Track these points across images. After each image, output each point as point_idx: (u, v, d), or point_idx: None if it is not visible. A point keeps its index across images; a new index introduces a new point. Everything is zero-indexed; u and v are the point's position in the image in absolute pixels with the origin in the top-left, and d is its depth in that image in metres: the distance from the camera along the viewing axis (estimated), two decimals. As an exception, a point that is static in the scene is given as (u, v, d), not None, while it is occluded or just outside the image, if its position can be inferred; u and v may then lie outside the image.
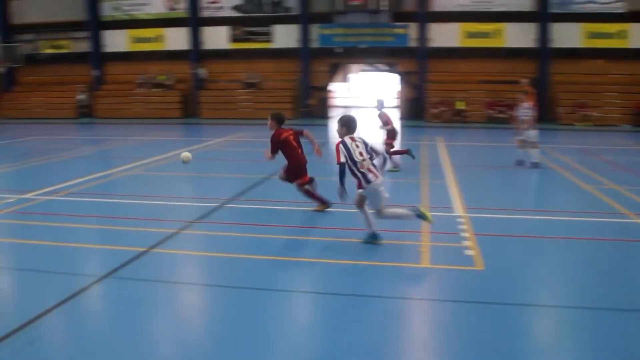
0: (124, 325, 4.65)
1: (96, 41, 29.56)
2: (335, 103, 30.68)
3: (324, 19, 27.17)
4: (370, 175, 6.37)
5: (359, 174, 6.35)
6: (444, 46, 26.75)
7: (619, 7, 25.28)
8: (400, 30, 27.21)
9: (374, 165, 6.49)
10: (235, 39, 28.65)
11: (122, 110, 28.17)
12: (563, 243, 6.92)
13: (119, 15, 29.37)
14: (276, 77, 27.86)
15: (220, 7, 28.44)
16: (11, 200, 9.51)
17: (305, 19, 27.33)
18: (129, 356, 4.11)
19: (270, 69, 28.01)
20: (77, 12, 29.40)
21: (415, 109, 26.84)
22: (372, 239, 6.66)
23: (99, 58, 29.78)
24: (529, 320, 4.80)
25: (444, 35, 26.84)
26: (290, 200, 9.00)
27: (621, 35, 25.57)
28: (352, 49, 27.31)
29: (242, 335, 4.39)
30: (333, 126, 23.25)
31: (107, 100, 28.74)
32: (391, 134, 12.26)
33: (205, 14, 28.58)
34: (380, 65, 30.71)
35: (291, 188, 8.79)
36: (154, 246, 6.74)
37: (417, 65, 27.08)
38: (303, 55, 27.56)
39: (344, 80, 34.97)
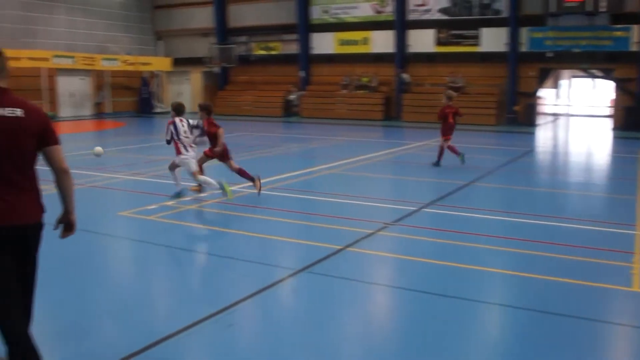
0: (312, 319, 5.40)
1: (304, 43, 35.57)
2: (543, 110, 33.31)
3: (535, 21, 30.13)
4: (183, 149, 10.45)
5: (180, 147, 10.38)
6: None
7: None
8: (621, 33, 29.11)
9: (195, 143, 10.51)
10: (440, 42, 32.81)
11: (326, 111, 33.74)
12: None
13: (327, 18, 35.10)
14: (481, 82, 31.42)
15: (427, 10, 32.73)
16: (219, 191, 11.08)
17: (514, 21, 30.49)
18: (313, 350, 4.73)
19: (475, 73, 31.67)
20: (288, 16, 35.80)
21: (633, 119, 28.39)
22: (176, 196, 10.60)
23: (306, 60, 35.80)
24: None
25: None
26: (489, 209, 10.16)
27: None
28: (564, 53, 29.77)
29: (426, 341, 4.91)
30: (540, 135, 26.08)
31: (312, 101, 34.57)
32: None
33: (412, 17, 33.08)
34: (595, 71, 32.59)
35: (495, 196, 11.39)
36: (349, 245, 7.70)
37: (638, 72, 28.59)
38: (510, 59, 30.74)
39: (554, 86, 37.19)
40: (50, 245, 6.70)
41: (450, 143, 15.16)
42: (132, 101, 38.70)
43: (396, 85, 33.05)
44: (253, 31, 37.50)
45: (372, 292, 6.36)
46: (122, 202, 10.91)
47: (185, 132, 10.69)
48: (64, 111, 34.73)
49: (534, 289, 6.28)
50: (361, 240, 8.03)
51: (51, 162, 3.89)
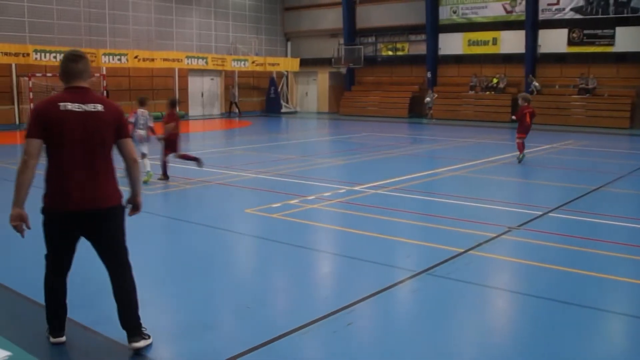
0: (431, 321, 5.79)
1: (432, 44, 39.15)
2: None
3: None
4: (139, 139, 13.24)
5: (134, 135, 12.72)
6: None
7: None
8: None
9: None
10: (572, 42, 35.34)
11: (453, 112, 37.00)
12: None
13: (455, 18, 38.68)
14: (614, 83, 33.62)
15: (560, 10, 35.45)
16: (342, 190, 12.25)
17: (653, 19, 31.96)
18: (429, 352, 5.12)
19: (609, 74, 33.92)
20: (416, 16, 39.57)
21: None
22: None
23: (434, 60, 39.34)
24: None
25: None
26: (617, 215, 10.43)
27: None
28: None
29: (545, 348, 5.17)
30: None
31: (439, 102, 37.84)
32: None
33: (543, 16, 35.89)
34: None
35: (624, 202, 12.09)
36: (471, 248, 8.10)
37: None
38: (648, 60, 32.24)
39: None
40: (181, 239, 8.75)
41: (522, 141, 17.13)
42: (260, 101, 43.70)
43: (525, 88, 35.57)
44: (380, 32, 41.64)
45: (493, 296, 6.68)
46: (248, 200, 11.83)
47: (142, 123, 13.47)
48: (195, 110, 39.82)
49: None
50: (484, 243, 8.44)
51: (124, 152, 4.78)
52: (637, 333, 5.84)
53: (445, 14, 39.17)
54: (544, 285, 6.96)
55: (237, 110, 39.41)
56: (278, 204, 11.09)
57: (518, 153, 17.43)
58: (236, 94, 40.21)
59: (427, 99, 37.54)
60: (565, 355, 5.14)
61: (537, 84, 35.18)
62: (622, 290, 6.96)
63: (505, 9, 37.12)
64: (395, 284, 6.82)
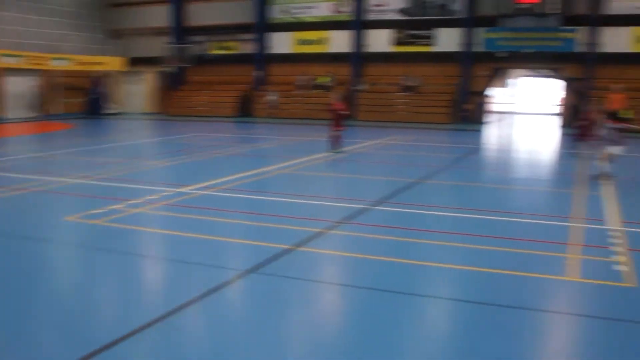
0: (260, 320, 5.83)
1: (262, 43, 39.53)
2: (492, 108, 37.71)
3: (490, 22, 34.46)
4: None
5: None
6: (615, 51, 32.91)
7: None
8: (569, 35, 33.73)
9: None
10: (397, 42, 37.04)
11: (283, 111, 37.26)
12: None
13: (286, 17, 39.12)
14: (435, 81, 35.64)
15: (385, 10, 36.93)
16: (170, 193, 11.97)
17: (470, 22, 34.91)
18: (260, 351, 5.15)
19: (431, 73, 35.89)
20: (246, 15, 39.57)
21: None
22: None
23: (264, 59, 39.69)
24: None
25: (616, 40, 33.06)
26: (438, 205, 11.27)
27: None
28: (516, 53, 34.24)
29: (375, 337, 5.40)
30: (489, 132, 29.98)
31: (264, 100, 37.81)
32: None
33: (370, 17, 37.23)
34: (544, 71, 37.25)
35: (444, 193, 13.00)
36: (299, 244, 8.26)
37: (584, 72, 33.44)
38: (464, 59, 35.15)
39: (504, 85, 41.88)
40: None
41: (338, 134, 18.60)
42: (82, 102, 41.49)
43: (352, 87, 36.98)
44: (210, 30, 41.25)
45: (321, 291, 6.87)
46: (69, 207, 11.30)
47: None
48: (13, 112, 37.11)
49: (481, 282, 7.09)
50: (311, 239, 8.66)
51: None
52: (456, 314, 6.30)
53: (275, 13, 39.53)
54: (371, 276, 7.25)
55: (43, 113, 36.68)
56: (102, 210, 10.67)
57: (337, 147, 18.44)
58: (44, 94, 37.78)
59: (270, 97, 37.60)
60: (393, 341, 5.44)
61: (362, 85, 36.64)
62: (445, 276, 7.47)
63: (333, 9, 37.99)
64: (223, 285, 6.83)
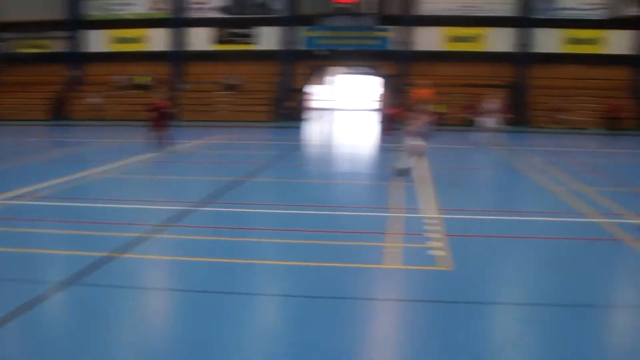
0: (86, 332, 5.50)
1: (76, 41, 37.78)
2: (313, 105, 38.62)
3: (310, 21, 35.31)
4: None
5: None
6: (427, 50, 35.05)
7: (599, 14, 33.96)
8: (384, 34, 35.41)
9: None
10: (218, 41, 36.85)
11: (101, 112, 35.53)
12: (529, 243, 8.86)
13: (102, 14, 37.53)
14: (257, 80, 35.82)
15: (206, 9, 36.55)
16: None
17: (290, 21, 35.49)
18: None
19: (252, 71, 36.04)
20: (58, 11, 37.52)
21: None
22: None
23: (79, 58, 37.94)
24: (494, 319, 6.17)
25: (428, 39, 35.29)
26: (264, 203, 11.33)
27: (598, 41, 34.33)
28: (336, 51, 35.42)
29: (205, 339, 5.37)
30: (311, 129, 30.63)
31: (86, 102, 36.18)
32: None
33: (190, 15, 36.72)
34: (363, 68, 38.83)
35: (268, 190, 13.22)
36: (121, 251, 7.91)
37: (399, 69, 35.25)
38: (285, 57, 35.67)
39: (325, 82, 43.16)
40: None
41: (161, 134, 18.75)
42: None
43: (173, 86, 36.31)
44: (19, 27, 38.61)
45: (147, 297, 6.65)
46: None
47: None
48: None
49: (307, 276, 7.29)
50: (134, 245, 8.36)
51: None
52: (288, 311, 6.35)
53: (91, 9, 37.95)
54: (196, 278, 7.15)
55: None
56: None
57: (161, 148, 18.40)
58: None
59: (93, 99, 35.61)
60: (223, 342, 5.42)
61: (185, 85, 36.16)
62: (272, 273, 7.52)
63: (151, 6, 37.17)
64: (39, 300, 6.32)
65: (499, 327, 6.11)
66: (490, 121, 22.72)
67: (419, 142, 13.87)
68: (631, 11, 33.45)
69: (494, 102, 22.86)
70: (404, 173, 13.77)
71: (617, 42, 34.24)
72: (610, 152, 23.57)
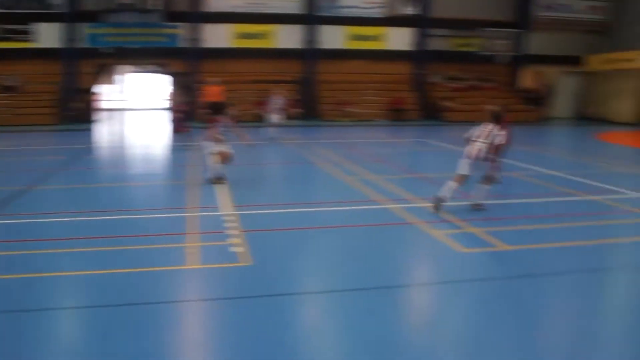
0: None
1: None
2: (102, 106, 37.05)
3: (93, 17, 33.67)
4: None
5: None
6: (216, 47, 34.92)
7: (378, 12, 35.75)
8: (171, 31, 34.76)
9: None
10: (-10, 38, 32.95)
11: None
12: (327, 232, 9.56)
13: None
14: (39, 80, 33.48)
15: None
16: None
17: (72, 17, 33.51)
18: None
19: (32, 71, 33.65)
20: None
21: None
22: None
23: None
24: (297, 308, 6.53)
25: (217, 36, 35.17)
26: (55, 211, 10.92)
27: (380, 38, 36.01)
28: (123, 49, 34.04)
29: None
30: (100, 131, 29.46)
31: None
32: None
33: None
34: (152, 66, 37.85)
35: (59, 198, 12.58)
36: None
37: (189, 66, 34.81)
38: (68, 55, 33.77)
39: (113, 81, 41.64)
40: None
41: None
42: None
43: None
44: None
45: None
46: None
47: None
48: None
49: (107, 285, 7.21)
50: None
51: None
52: (91, 322, 6.28)
53: None
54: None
55: None
56: None
57: None
58: None
59: None
60: None
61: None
62: (71, 284, 7.36)
63: None
64: None
65: (304, 317, 6.49)
66: (277, 117, 23.40)
67: (223, 148, 13.70)
68: (408, 10, 35.13)
69: (280, 97, 23.41)
70: (219, 180, 13.65)
71: (396, 39, 35.89)
72: (395, 141, 25.42)
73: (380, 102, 34.51)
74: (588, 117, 37.90)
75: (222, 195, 12.20)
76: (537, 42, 38.61)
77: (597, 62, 38.24)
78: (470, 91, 36.42)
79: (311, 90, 34.63)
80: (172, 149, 22.87)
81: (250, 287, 7.11)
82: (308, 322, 6.36)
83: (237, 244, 8.58)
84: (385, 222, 10.47)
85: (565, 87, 40.18)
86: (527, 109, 36.34)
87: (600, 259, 8.84)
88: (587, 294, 7.39)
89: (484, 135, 10.86)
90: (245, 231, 9.29)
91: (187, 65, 34.74)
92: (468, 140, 10.98)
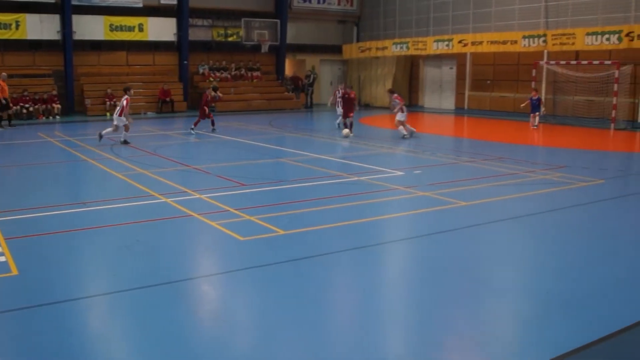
0: None
1: None
2: None
3: None
4: None
5: None
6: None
7: (137, 2, 34.36)
8: None
9: None
10: None
11: None
12: (101, 232, 9.13)
13: None
14: None
15: None
16: None
17: None
18: None
19: None
20: None
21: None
22: None
23: None
24: (78, 314, 6.12)
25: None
26: None
27: (140, 28, 34.77)
28: None
29: None
30: None
31: None
32: None
33: None
34: None
35: None
36: None
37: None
38: None
39: None
40: None
41: None
42: None
43: None
44: None
45: None
46: None
47: None
48: None
49: None
50: None
51: None
52: None
53: None
54: None
55: None
56: None
57: None
58: None
59: None
60: None
61: None
62: None
63: None
64: None
65: (88, 322, 6.16)
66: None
67: None
68: (168, 0, 34.50)
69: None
70: None
71: (159, 29, 34.87)
72: (165, 134, 24.67)
73: (147, 94, 33.40)
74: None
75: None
76: (297, 32, 39.43)
77: (353, 50, 40.19)
78: (237, 81, 36.52)
79: (72, 84, 32.64)
80: None
81: (15, 298, 6.48)
82: (92, 326, 6.04)
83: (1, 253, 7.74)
84: (164, 216, 10.22)
85: (326, 74, 41.63)
86: (290, 97, 36.89)
87: (373, 235, 9.31)
88: (362, 270, 7.70)
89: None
90: (8, 239, 8.49)
91: None
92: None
